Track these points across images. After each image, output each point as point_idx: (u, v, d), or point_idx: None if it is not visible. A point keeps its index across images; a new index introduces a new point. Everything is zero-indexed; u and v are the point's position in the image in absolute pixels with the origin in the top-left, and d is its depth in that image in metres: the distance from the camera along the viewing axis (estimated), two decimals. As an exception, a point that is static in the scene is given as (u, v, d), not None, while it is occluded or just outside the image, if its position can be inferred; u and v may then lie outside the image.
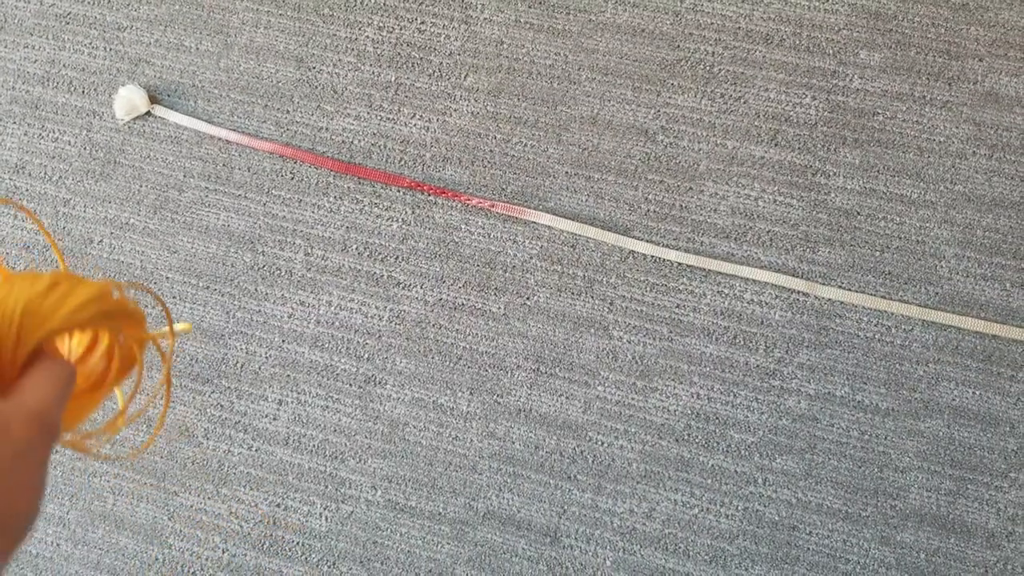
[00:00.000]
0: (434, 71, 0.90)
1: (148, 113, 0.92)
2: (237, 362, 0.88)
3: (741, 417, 0.83)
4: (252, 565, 0.85)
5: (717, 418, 0.83)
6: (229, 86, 0.92)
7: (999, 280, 0.82)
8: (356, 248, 0.88)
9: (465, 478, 0.84)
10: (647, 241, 0.86)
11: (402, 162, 0.89)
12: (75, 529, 0.88)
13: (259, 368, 0.88)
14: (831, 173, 0.85)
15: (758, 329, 0.84)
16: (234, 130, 0.91)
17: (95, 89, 0.93)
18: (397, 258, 0.88)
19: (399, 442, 0.85)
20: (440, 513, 0.84)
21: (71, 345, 0.38)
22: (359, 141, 0.90)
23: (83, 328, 0.36)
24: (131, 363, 0.39)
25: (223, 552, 0.86)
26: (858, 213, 0.84)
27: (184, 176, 0.91)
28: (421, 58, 0.91)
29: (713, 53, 0.88)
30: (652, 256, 0.85)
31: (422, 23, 0.91)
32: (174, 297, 0.89)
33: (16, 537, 0.31)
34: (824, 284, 0.84)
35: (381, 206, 0.89)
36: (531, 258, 0.86)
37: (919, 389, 0.81)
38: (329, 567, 0.84)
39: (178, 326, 0.42)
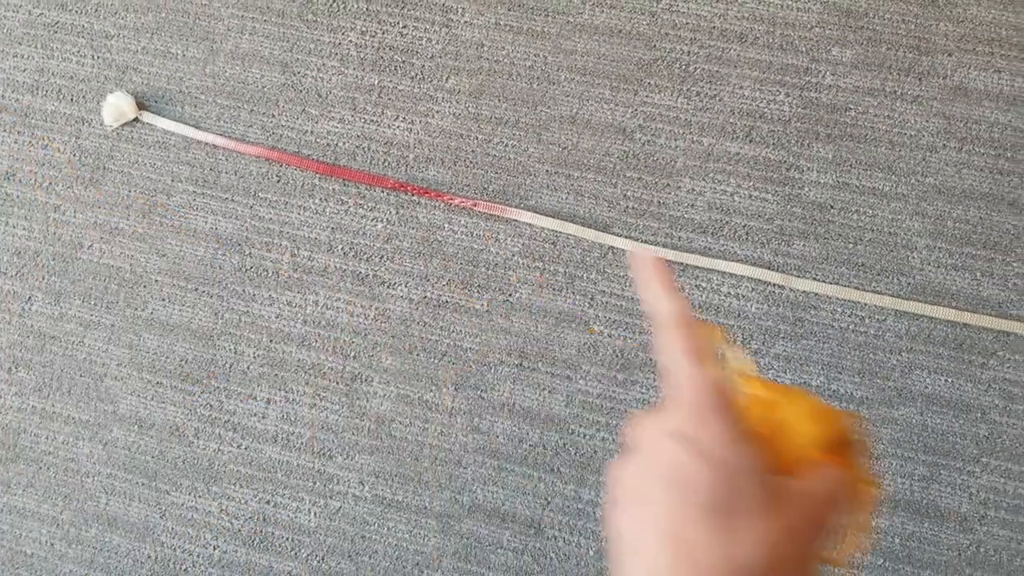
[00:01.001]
0: (416, 74, 0.93)
1: (136, 119, 0.94)
2: (226, 362, 0.90)
3: (720, 408, 0.85)
4: (243, 561, 0.87)
5: (696, 409, 0.85)
6: (215, 91, 0.94)
7: (969, 270, 0.85)
8: (341, 248, 0.90)
9: (450, 472, 0.86)
10: (626, 237, 0.88)
11: (386, 163, 0.91)
12: (68, 529, 0.90)
13: (247, 368, 0.90)
14: (805, 168, 0.87)
15: (735, 321, 0.86)
16: (221, 135, 0.93)
17: (83, 96, 0.96)
18: (382, 257, 0.90)
19: (385, 438, 0.87)
20: (426, 507, 0.86)
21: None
22: (343, 143, 0.92)
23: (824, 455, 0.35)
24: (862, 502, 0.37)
25: (214, 549, 0.88)
26: (831, 207, 0.87)
27: (172, 181, 0.93)
28: (403, 61, 0.93)
29: (689, 52, 0.90)
30: (631, 252, 0.87)
31: (404, 27, 0.93)
32: (163, 300, 0.92)
33: None
34: (799, 276, 0.86)
35: (366, 207, 0.91)
36: (513, 255, 0.89)
37: (893, 378, 0.84)
38: (318, 562, 0.86)
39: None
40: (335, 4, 0.95)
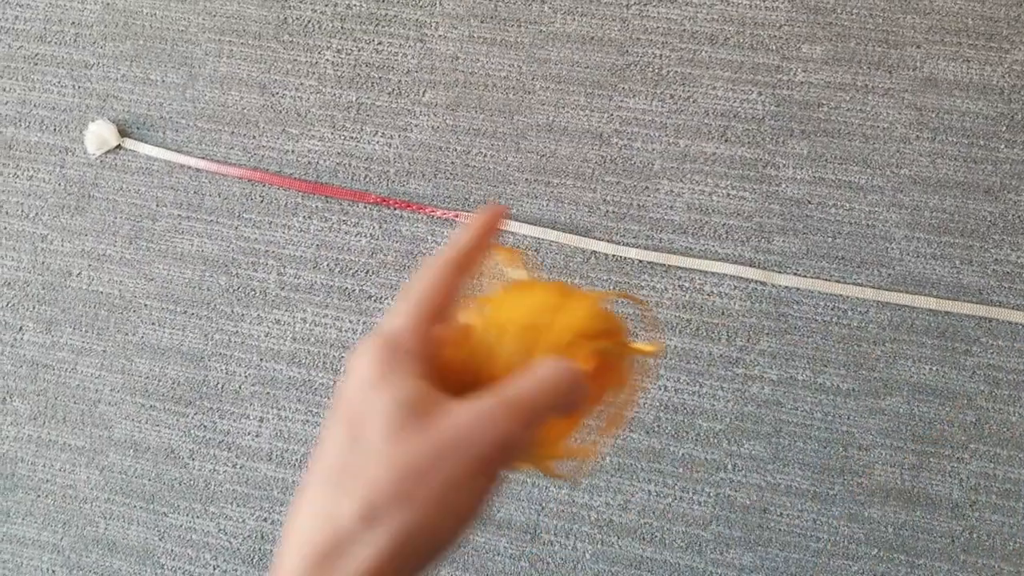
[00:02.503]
0: (393, 89, 0.94)
1: (119, 146, 0.96)
2: (217, 383, 0.92)
3: (708, 406, 0.86)
4: (242, 579, 0.88)
5: (685, 408, 0.86)
6: (196, 116, 0.96)
7: (948, 258, 0.86)
8: (327, 265, 0.92)
9: (444, 482, 0.87)
10: (607, 241, 0.89)
11: (367, 179, 0.93)
12: (69, 555, 0.91)
13: (239, 387, 0.91)
14: (781, 165, 0.89)
15: (719, 320, 0.87)
16: (203, 158, 0.95)
17: (66, 126, 0.97)
18: (367, 272, 0.91)
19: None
20: (422, 517, 0.87)
21: None
22: (324, 161, 0.94)
23: (583, 346, 0.34)
24: (620, 383, 0.37)
25: (214, 568, 0.89)
26: (809, 202, 0.88)
27: (157, 205, 0.95)
28: (380, 77, 0.95)
29: (661, 56, 0.92)
30: (613, 255, 0.89)
31: (379, 44, 0.95)
32: (153, 323, 0.93)
33: (420, 560, 0.29)
34: (780, 272, 0.87)
35: (349, 223, 0.92)
36: (497, 264, 0.90)
37: (878, 368, 0.85)
38: (317, 577, 0.88)
39: (647, 346, 0.38)
40: (310, 24, 0.96)
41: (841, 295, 0.86)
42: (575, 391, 0.32)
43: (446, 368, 0.33)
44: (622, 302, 0.83)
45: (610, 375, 0.36)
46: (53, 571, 0.91)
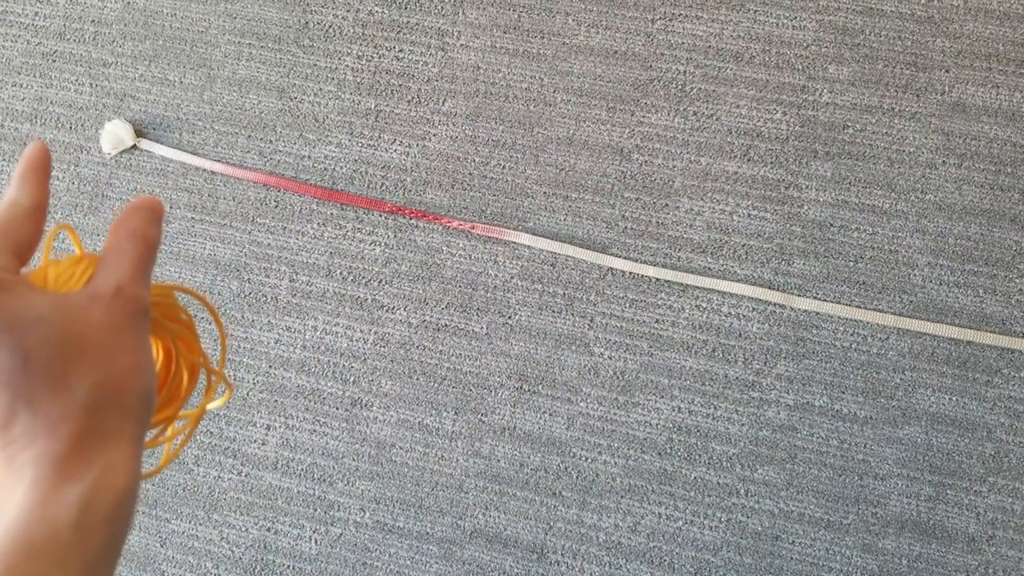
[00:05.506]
0: (413, 97, 0.95)
1: (134, 147, 0.97)
2: (225, 388, 0.92)
3: (722, 429, 0.86)
4: (244, 589, 0.89)
5: (698, 431, 0.87)
6: (213, 118, 0.97)
7: (971, 287, 0.86)
8: (340, 273, 0.93)
9: (452, 497, 0.88)
10: (625, 258, 0.90)
11: (383, 187, 0.94)
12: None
13: (247, 394, 0.92)
14: (804, 186, 0.89)
15: (736, 342, 0.88)
16: (218, 161, 0.96)
17: (82, 125, 0.99)
18: (380, 282, 0.92)
19: (386, 463, 0.89)
20: (428, 533, 0.88)
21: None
22: (341, 168, 0.95)
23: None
24: (194, 374, 0.40)
25: (215, 577, 0.90)
26: (831, 225, 0.88)
27: (171, 207, 0.96)
28: (400, 85, 0.96)
29: (685, 72, 0.93)
30: (630, 272, 0.89)
31: (400, 51, 0.96)
32: (162, 326, 0.94)
33: (137, 415, 0.32)
34: (800, 296, 0.87)
35: (364, 231, 0.93)
36: (512, 278, 0.91)
37: (896, 397, 0.85)
38: (320, 589, 0.88)
39: (215, 402, 0.42)
40: (331, 29, 0.97)
41: (861, 321, 0.87)
42: (150, 239, 0.35)
43: None
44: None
45: (175, 373, 0.39)
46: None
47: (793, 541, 0.85)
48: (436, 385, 0.90)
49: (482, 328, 0.91)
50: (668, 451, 0.87)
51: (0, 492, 0.31)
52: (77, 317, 0.32)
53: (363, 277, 0.93)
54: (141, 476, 0.33)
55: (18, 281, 0.32)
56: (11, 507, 0.30)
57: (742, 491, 0.86)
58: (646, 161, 0.92)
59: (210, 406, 0.41)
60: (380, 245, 0.93)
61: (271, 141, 0.96)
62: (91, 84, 1.00)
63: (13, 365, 0.30)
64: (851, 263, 0.88)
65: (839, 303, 0.87)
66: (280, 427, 0.92)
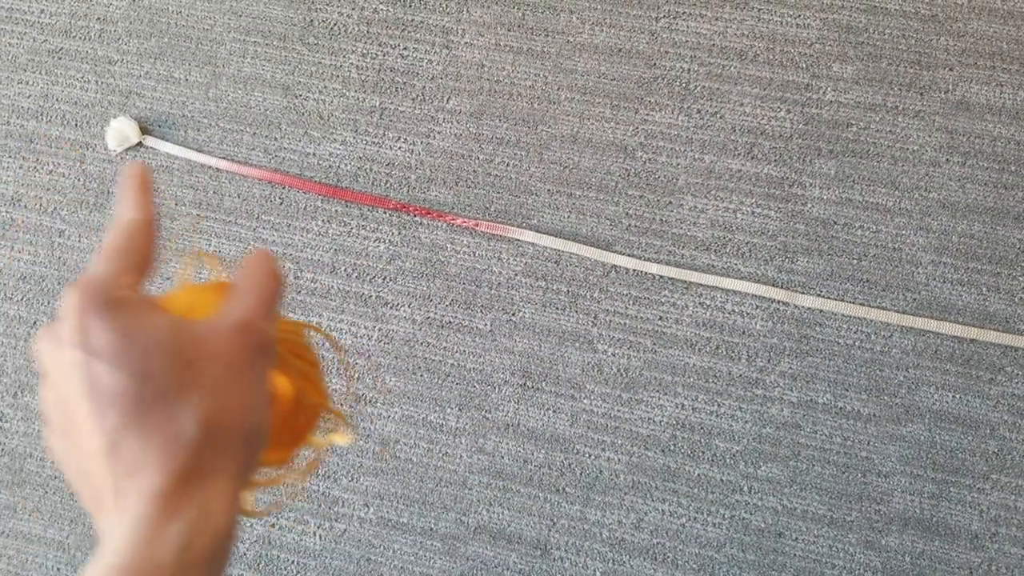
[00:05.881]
0: (417, 95, 0.96)
1: (140, 144, 0.98)
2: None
3: (725, 426, 0.87)
4: (248, 584, 0.90)
5: (702, 428, 0.87)
6: (218, 115, 0.98)
7: (975, 285, 0.87)
8: (344, 270, 0.93)
9: (455, 493, 0.89)
10: (629, 255, 0.90)
11: (388, 184, 0.94)
12: (74, 553, 0.92)
13: (252, 390, 0.92)
14: (807, 184, 0.90)
15: (740, 339, 0.88)
16: (224, 158, 0.96)
17: (88, 122, 0.99)
18: (385, 279, 0.93)
19: (390, 459, 0.90)
20: (432, 529, 0.88)
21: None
22: (346, 165, 0.95)
23: (284, 345, 0.36)
24: (316, 414, 0.39)
25: (220, 572, 0.90)
26: (835, 222, 0.89)
27: (176, 204, 0.96)
28: (404, 83, 0.96)
29: (689, 70, 0.93)
30: (634, 270, 0.90)
31: (404, 49, 0.97)
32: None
33: (244, 454, 0.31)
34: (803, 293, 0.88)
35: (368, 228, 0.94)
36: (516, 275, 0.91)
37: (900, 394, 0.85)
38: (324, 585, 0.89)
39: (338, 437, 0.41)
40: (336, 27, 0.98)
41: (864, 318, 0.87)
42: (279, 277, 0.35)
43: None
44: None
45: (298, 412, 0.38)
46: (58, 569, 0.93)
47: (796, 538, 0.85)
48: (440, 381, 0.91)
49: (486, 325, 0.91)
50: (672, 448, 0.87)
51: (107, 515, 0.30)
52: (197, 345, 0.31)
53: (367, 274, 0.93)
54: (242, 515, 0.33)
55: (140, 301, 0.32)
56: (115, 540, 0.29)
57: (745, 488, 0.86)
58: (650, 159, 0.92)
59: (329, 447, 0.40)
60: (384, 242, 0.94)
61: (276, 138, 0.97)
62: (97, 81, 1.01)
63: (127, 387, 0.30)
64: (855, 261, 0.88)
65: (843, 300, 0.88)
66: (284, 423, 0.92)
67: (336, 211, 0.95)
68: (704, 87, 0.93)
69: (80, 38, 1.02)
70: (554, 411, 0.89)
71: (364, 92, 0.97)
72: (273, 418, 0.36)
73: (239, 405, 0.31)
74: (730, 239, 0.90)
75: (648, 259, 0.91)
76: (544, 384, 0.90)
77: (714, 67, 0.93)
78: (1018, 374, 0.85)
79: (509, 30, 0.96)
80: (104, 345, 0.30)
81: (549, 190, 0.93)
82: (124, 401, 0.29)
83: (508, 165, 0.94)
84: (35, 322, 0.97)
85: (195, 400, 0.30)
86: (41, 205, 0.99)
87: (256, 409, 0.32)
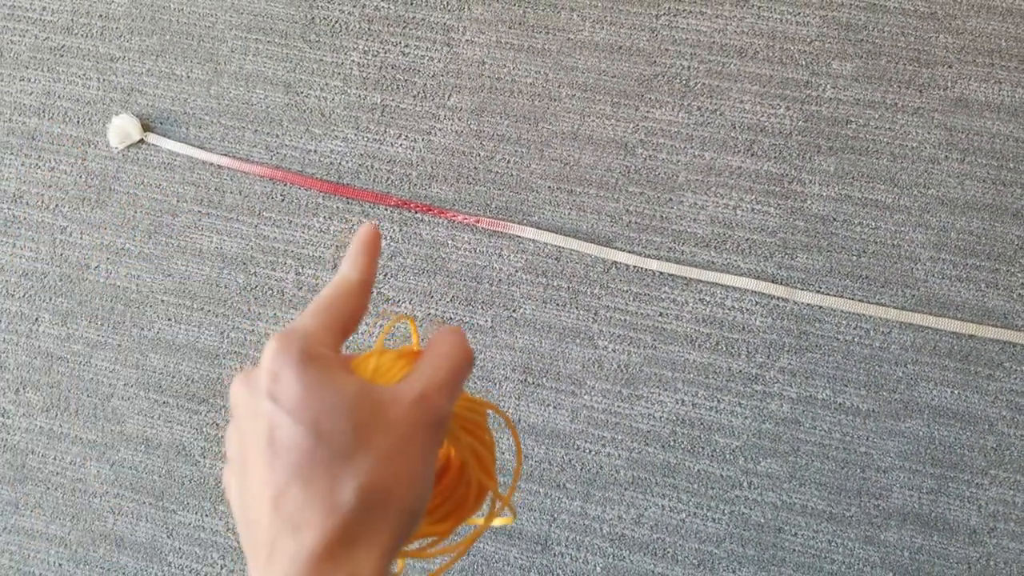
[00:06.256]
0: (418, 92, 0.96)
1: (141, 141, 0.98)
2: (231, 381, 0.93)
3: (725, 422, 0.87)
4: (250, 580, 0.90)
5: (702, 423, 0.87)
6: (220, 112, 0.98)
7: (974, 281, 0.87)
8: (346, 266, 0.94)
9: (456, 489, 0.89)
10: (629, 252, 0.91)
11: (389, 181, 0.95)
12: (76, 549, 0.93)
13: (253, 386, 0.93)
14: (807, 181, 0.90)
15: (740, 335, 0.88)
16: (225, 155, 0.97)
17: (89, 119, 1.00)
18: (386, 275, 0.93)
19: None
20: (433, 524, 0.89)
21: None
22: (347, 162, 0.96)
23: (462, 424, 0.37)
24: (482, 494, 0.39)
25: (221, 568, 0.91)
26: (834, 219, 0.89)
27: (177, 201, 0.97)
28: (406, 80, 0.97)
29: (689, 67, 0.94)
30: (634, 266, 0.90)
31: (406, 46, 0.97)
32: (169, 319, 0.95)
33: (397, 527, 0.31)
34: (803, 289, 0.88)
35: (369, 225, 0.94)
36: (516, 271, 0.92)
37: (899, 390, 0.86)
38: (325, 580, 0.89)
39: (498, 520, 0.41)
40: (337, 24, 0.98)
41: (864, 314, 0.88)
42: (468, 356, 0.35)
43: None
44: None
45: (461, 488, 0.38)
46: (60, 564, 0.93)
47: (796, 533, 0.86)
48: (441, 378, 0.91)
49: (487, 321, 0.92)
50: (672, 444, 0.88)
51: (258, 569, 0.31)
52: (375, 412, 0.32)
53: (369, 270, 0.94)
54: None
55: (334, 361, 0.33)
56: None
57: (745, 483, 0.87)
58: (650, 156, 0.93)
59: (487, 527, 0.40)
60: (385, 239, 0.94)
61: (277, 135, 0.97)
62: (98, 78, 1.01)
63: (303, 443, 0.30)
64: (854, 257, 0.89)
65: (842, 297, 0.88)
66: (286, 419, 0.92)
67: (337, 208, 0.95)
68: (704, 84, 0.94)
69: (82, 35, 1.02)
70: (555, 407, 0.90)
71: (365, 89, 0.97)
72: (436, 491, 0.38)
73: (403, 476, 0.31)
74: (730, 235, 0.91)
75: (648, 255, 0.91)
76: (545, 380, 0.90)
77: (714, 64, 0.94)
78: (1016, 370, 0.86)
79: (510, 27, 0.97)
80: (291, 397, 0.31)
81: (550, 187, 0.94)
82: (297, 456, 0.30)
83: (509, 162, 0.94)
84: (36, 319, 0.97)
85: (362, 465, 0.30)
86: (43, 202, 0.99)
87: (418, 483, 0.32)
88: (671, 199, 0.92)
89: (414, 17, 0.98)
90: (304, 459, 0.30)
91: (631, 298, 0.91)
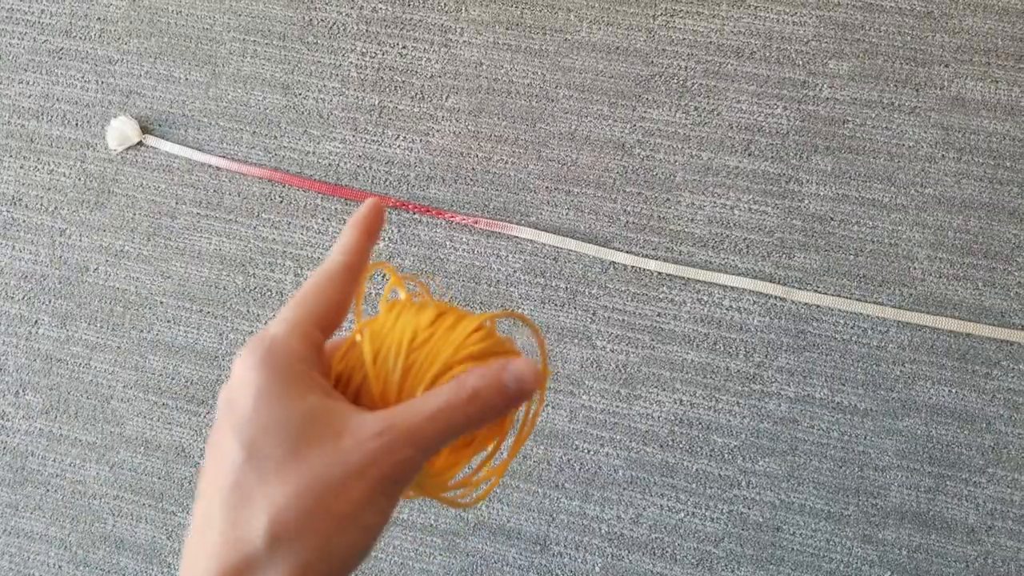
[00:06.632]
0: (416, 93, 0.97)
1: (140, 143, 0.98)
2: (231, 382, 0.94)
3: (723, 421, 0.88)
4: (250, 581, 0.90)
5: (700, 423, 0.88)
6: (218, 114, 0.98)
7: (971, 280, 0.87)
8: (344, 268, 0.94)
9: (455, 489, 0.89)
10: (627, 252, 0.91)
11: (387, 182, 0.95)
12: (76, 551, 0.93)
13: (252, 387, 0.93)
14: (804, 180, 0.91)
15: (737, 335, 0.89)
16: (224, 157, 0.97)
17: (88, 121, 1.00)
18: (384, 277, 0.94)
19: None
20: (432, 524, 0.89)
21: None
22: (345, 164, 0.96)
23: (469, 363, 0.34)
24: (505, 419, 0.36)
25: (221, 569, 0.91)
26: (831, 219, 0.90)
27: (176, 203, 0.97)
28: (403, 81, 0.97)
29: (686, 68, 0.94)
30: (632, 266, 0.91)
31: (403, 47, 0.98)
32: (168, 321, 0.95)
33: (321, 567, 0.28)
34: (800, 289, 0.89)
35: (367, 226, 0.94)
36: (515, 272, 0.92)
37: (896, 389, 0.86)
38: (325, 580, 0.89)
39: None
40: (335, 26, 0.99)
41: (861, 313, 0.88)
42: (474, 419, 0.31)
43: (333, 380, 0.34)
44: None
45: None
46: (60, 567, 0.93)
47: (794, 532, 0.86)
48: (440, 378, 0.91)
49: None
50: (670, 443, 0.88)
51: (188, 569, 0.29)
52: (322, 437, 0.29)
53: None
54: None
55: (297, 370, 0.30)
56: None
57: (743, 483, 0.87)
58: (648, 156, 0.93)
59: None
60: (384, 240, 0.95)
61: (276, 137, 0.98)
62: (97, 81, 1.01)
63: (236, 461, 0.28)
64: (851, 256, 0.89)
65: (839, 296, 0.89)
66: (285, 420, 0.93)
67: (336, 209, 0.96)
68: (701, 84, 0.94)
69: (80, 38, 1.02)
70: (553, 407, 0.90)
71: (363, 91, 0.98)
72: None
73: (332, 514, 0.28)
74: (727, 235, 0.91)
75: (646, 256, 0.92)
76: (543, 380, 0.90)
77: (711, 64, 0.94)
78: (1014, 368, 0.86)
79: (507, 28, 0.97)
80: (239, 409, 0.29)
81: (547, 187, 0.94)
82: (226, 471, 0.29)
83: (506, 163, 0.95)
84: (36, 321, 0.98)
85: (280, 493, 0.28)
86: (42, 204, 1.00)
87: (350, 529, 0.28)
88: (668, 199, 0.92)
89: (411, 19, 0.99)
90: (230, 478, 0.28)
91: (629, 298, 0.91)
